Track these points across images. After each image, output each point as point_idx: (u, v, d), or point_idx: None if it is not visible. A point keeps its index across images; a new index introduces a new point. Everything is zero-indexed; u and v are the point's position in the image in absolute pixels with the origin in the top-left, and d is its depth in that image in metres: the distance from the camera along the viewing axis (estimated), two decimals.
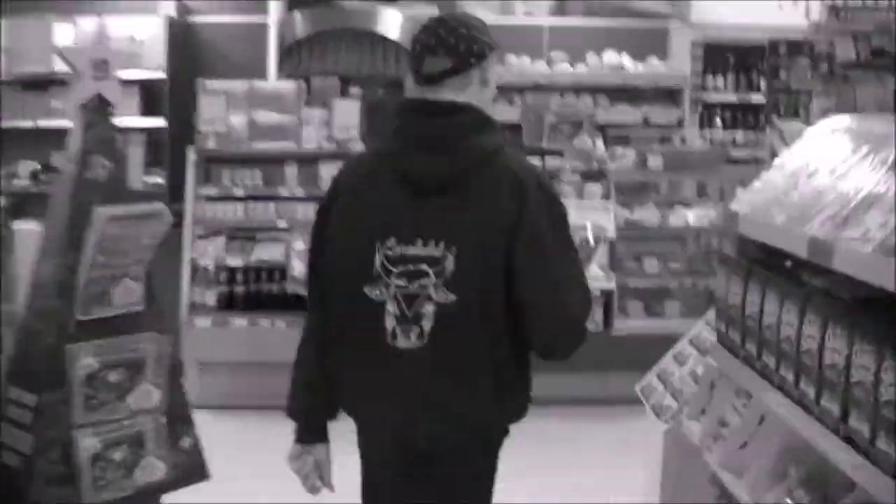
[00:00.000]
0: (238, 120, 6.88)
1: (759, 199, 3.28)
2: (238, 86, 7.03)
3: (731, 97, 9.35)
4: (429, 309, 2.57)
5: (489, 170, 2.61)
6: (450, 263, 2.56)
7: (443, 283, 2.57)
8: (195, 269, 6.88)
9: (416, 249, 2.59)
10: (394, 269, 2.60)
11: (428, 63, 2.65)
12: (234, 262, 6.85)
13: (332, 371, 2.78)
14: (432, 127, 2.64)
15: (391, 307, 2.61)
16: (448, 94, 2.65)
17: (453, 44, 2.63)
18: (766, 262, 3.13)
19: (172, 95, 8.32)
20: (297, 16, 8.84)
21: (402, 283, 2.59)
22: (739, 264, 3.23)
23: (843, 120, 3.33)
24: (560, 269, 2.63)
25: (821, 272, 2.72)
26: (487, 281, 2.58)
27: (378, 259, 2.61)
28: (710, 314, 3.93)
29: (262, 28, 8.79)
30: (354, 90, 7.84)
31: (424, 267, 2.57)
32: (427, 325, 2.58)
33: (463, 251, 2.56)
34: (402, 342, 2.61)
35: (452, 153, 2.61)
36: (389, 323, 2.61)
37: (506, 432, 2.80)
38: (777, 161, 3.51)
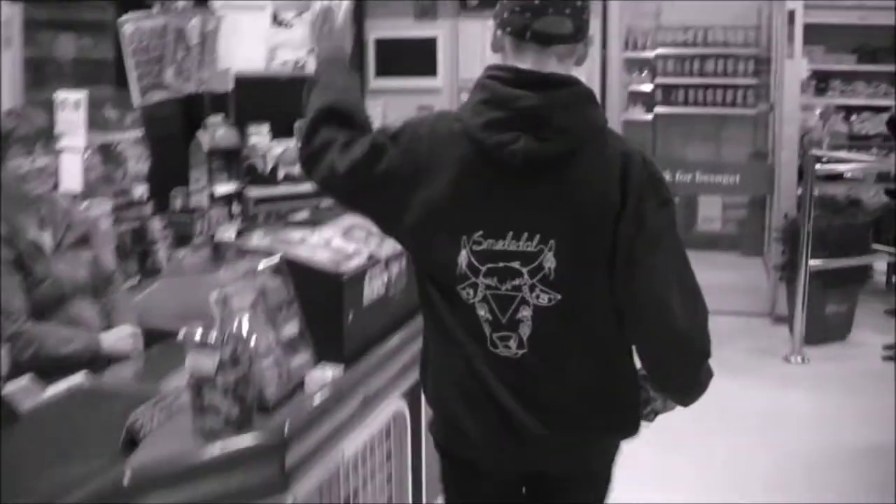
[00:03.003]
0: None
1: None
2: None
3: None
4: (525, 313, 2.27)
5: (593, 150, 2.26)
6: (548, 260, 2.24)
7: (540, 283, 2.25)
8: None
9: (507, 244, 2.25)
10: (481, 268, 2.27)
11: (549, 21, 2.25)
12: None
13: (433, 381, 2.48)
14: (538, 99, 2.23)
15: (483, 311, 2.30)
16: (552, 63, 2.29)
17: (580, 7, 2.27)
18: None
19: None
20: None
21: (492, 282, 2.27)
22: None
23: None
24: (669, 266, 2.26)
25: None
26: (593, 278, 2.27)
27: (464, 255, 2.28)
28: None
29: None
30: None
31: (517, 265, 2.25)
32: (525, 331, 2.29)
33: (562, 244, 2.24)
34: (502, 350, 2.31)
35: (560, 130, 2.23)
36: (487, 328, 2.30)
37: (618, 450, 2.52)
38: None
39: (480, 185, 2.25)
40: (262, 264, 2.74)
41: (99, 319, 3.58)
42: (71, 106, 4.30)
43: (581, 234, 2.23)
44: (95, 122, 4.92)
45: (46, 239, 3.53)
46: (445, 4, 8.79)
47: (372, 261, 3.11)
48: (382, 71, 8.85)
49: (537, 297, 2.24)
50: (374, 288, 3.12)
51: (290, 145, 7.67)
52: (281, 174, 7.29)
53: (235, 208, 5.15)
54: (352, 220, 3.32)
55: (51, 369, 3.22)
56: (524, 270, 2.24)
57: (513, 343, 2.28)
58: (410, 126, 2.38)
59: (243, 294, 2.58)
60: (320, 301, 2.85)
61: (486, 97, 2.27)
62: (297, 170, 7.52)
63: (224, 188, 5.10)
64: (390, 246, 3.19)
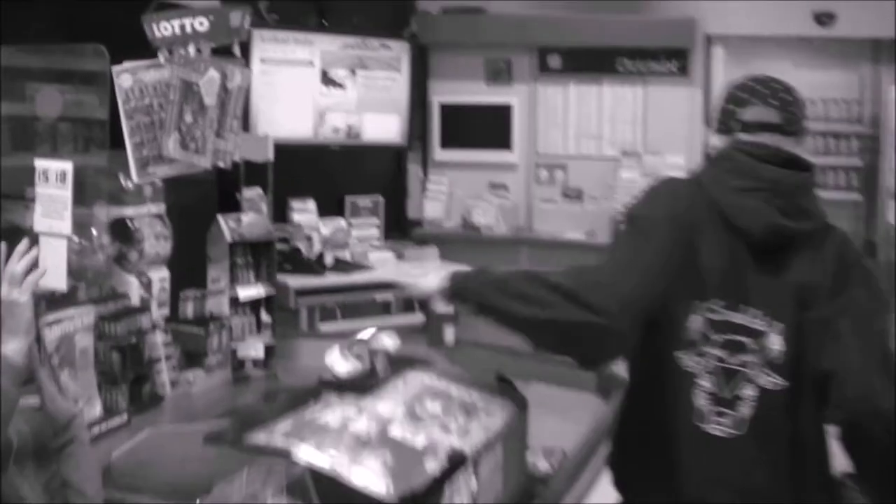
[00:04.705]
0: None
1: None
2: None
3: None
4: (749, 392, 2.23)
5: (819, 234, 2.35)
6: (774, 342, 2.25)
7: (766, 364, 2.24)
8: None
9: (740, 317, 2.26)
10: (714, 337, 2.25)
11: (753, 111, 2.36)
12: None
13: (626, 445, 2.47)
14: (782, 175, 2.31)
15: (705, 382, 2.25)
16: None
17: (789, 100, 2.37)
18: None
19: None
20: None
21: (722, 354, 2.25)
22: None
23: None
24: (873, 346, 2.23)
25: None
26: (814, 365, 2.24)
27: (697, 321, 2.26)
28: None
29: None
30: None
31: (746, 340, 2.25)
32: (745, 411, 2.23)
33: (790, 327, 2.25)
34: (712, 427, 2.24)
35: (802, 211, 2.32)
36: (699, 401, 2.25)
37: None
38: None
39: (723, 253, 2.27)
40: (274, 484, 1.58)
41: (45, 498, 2.45)
42: (55, 178, 3.23)
43: (804, 318, 2.24)
44: (108, 193, 3.92)
45: None
46: (522, 66, 7.79)
47: (454, 461, 1.96)
48: (449, 141, 7.90)
49: (763, 377, 2.23)
50: None
51: (340, 225, 6.72)
52: (328, 259, 6.35)
53: (264, 317, 4.04)
54: (424, 376, 2.22)
55: None
56: (754, 347, 2.24)
57: (728, 420, 2.24)
58: (650, 196, 2.38)
59: None
60: None
61: (731, 167, 2.32)
62: (347, 255, 6.56)
63: (250, 291, 4.02)
64: (479, 424, 2.15)
